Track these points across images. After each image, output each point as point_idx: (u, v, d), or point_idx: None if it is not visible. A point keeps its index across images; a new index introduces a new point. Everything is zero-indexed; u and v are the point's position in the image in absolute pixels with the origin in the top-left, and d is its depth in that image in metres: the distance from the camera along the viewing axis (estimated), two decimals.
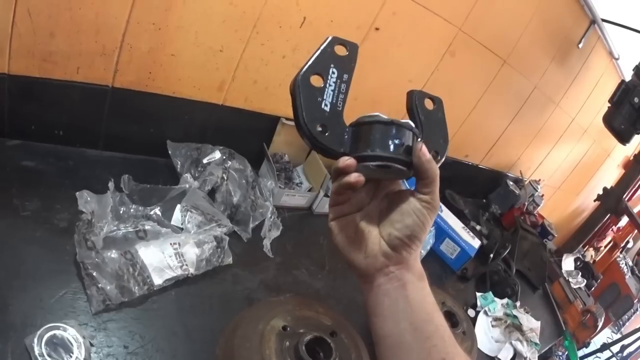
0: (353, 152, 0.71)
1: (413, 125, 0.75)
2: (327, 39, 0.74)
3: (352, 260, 0.77)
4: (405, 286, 0.74)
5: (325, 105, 0.72)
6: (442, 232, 2.18)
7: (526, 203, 3.24)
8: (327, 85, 0.72)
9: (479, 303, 2.00)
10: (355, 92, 1.89)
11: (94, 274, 1.06)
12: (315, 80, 0.72)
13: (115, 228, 1.22)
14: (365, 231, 0.76)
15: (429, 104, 0.81)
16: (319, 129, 0.71)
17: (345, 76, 0.74)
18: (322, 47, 0.74)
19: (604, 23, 2.76)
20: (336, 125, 0.72)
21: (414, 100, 0.80)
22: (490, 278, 2.22)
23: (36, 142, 1.37)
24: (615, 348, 4.18)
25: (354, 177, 0.70)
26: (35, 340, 0.88)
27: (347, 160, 0.70)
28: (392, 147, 0.71)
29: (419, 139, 0.75)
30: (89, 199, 1.16)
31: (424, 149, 0.71)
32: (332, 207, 0.78)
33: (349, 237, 0.77)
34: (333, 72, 0.73)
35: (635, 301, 4.14)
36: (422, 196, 0.74)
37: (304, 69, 0.71)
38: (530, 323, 2.07)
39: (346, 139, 0.72)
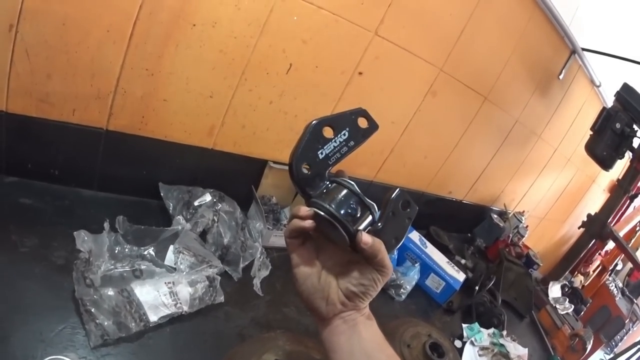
0: (316, 198, 0.80)
1: (376, 209, 0.83)
2: (357, 107, 0.86)
3: (315, 307, 0.87)
4: (358, 325, 0.86)
5: (321, 153, 0.80)
6: (427, 267, 2.21)
7: (511, 235, 3.27)
8: (333, 141, 0.81)
9: (465, 334, 2.02)
10: None
11: (92, 310, 1.09)
12: (327, 131, 0.81)
13: (112, 267, 1.25)
14: (327, 281, 0.87)
15: (404, 206, 0.88)
16: (305, 167, 0.79)
17: (352, 143, 0.84)
18: (348, 110, 0.84)
19: (585, 52, 2.81)
20: (319, 173, 0.80)
21: (392, 196, 0.86)
22: (476, 309, 2.25)
23: (33, 181, 1.41)
24: None
25: (309, 222, 0.80)
26: None
27: (308, 211, 0.80)
28: (345, 212, 0.79)
29: (378, 224, 0.83)
30: (86, 238, 1.21)
31: (364, 237, 0.79)
32: (293, 253, 0.88)
33: (314, 286, 0.87)
34: (344, 134, 0.82)
35: (626, 321, 4.15)
36: (377, 266, 0.83)
37: (324, 117, 0.81)
38: (518, 350, 2.08)
39: (319, 187, 0.81)
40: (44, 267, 1.19)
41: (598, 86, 3.22)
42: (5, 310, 1.03)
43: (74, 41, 1.24)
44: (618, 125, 2.74)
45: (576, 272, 4.30)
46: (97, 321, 1.09)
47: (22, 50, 1.19)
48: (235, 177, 1.81)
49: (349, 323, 0.86)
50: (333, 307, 0.86)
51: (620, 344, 4.48)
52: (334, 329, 0.86)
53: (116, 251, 1.31)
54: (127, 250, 1.33)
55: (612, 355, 4.20)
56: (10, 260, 1.15)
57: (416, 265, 2.15)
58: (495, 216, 3.29)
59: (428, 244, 2.38)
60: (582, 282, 4.47)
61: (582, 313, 3.47)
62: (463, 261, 2.69)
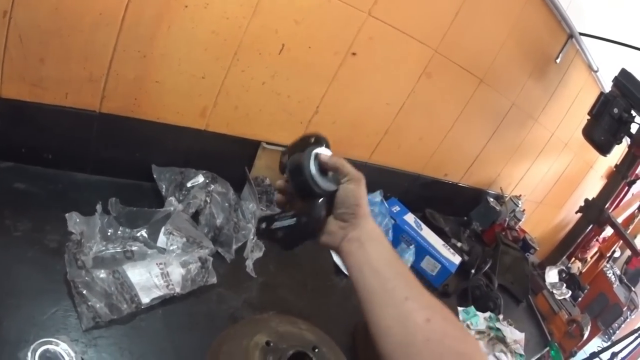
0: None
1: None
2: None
3: (322, 240, 1.01)
4: (364, 244, 0.95)
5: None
6: (422, 250, 2.20)
7: (507, 219, 3.27)
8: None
9: (461, 317, 2.03)
10: (334, 117, 1.95)
11: (84, 292, 1.08)
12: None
13: (103, 248, 1.25)
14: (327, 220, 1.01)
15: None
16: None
17: None
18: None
19: (582, 37, 2.80)
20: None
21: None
22: (472, 293, 2.25)
23: (27, 165, 1.40)
24: (606, 355, 4.18)
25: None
26: (29, 354, 0.90)
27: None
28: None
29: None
30: (77, 220, 1.20)
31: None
32: None
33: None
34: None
35: (624, 309, 4.16)
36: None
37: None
38: (514, 335, 2.09)
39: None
40: (37, 250, 1.18)
41: (596, 71, 3.21)
42: None
43: (67, 25, 1.23)
44: (616, 111, 2.74)
45: (573, 258, 4.31)
46: (89, 303, 1.08)
47: (16, 36, 1.18)
48: (229, 158, 1.80)
49: (355, 243, 0.95)
50: (335, 235, 0.98)
51: (617, 331, 4.51)
52: (346, 253, 0.96)
53: (109, 233, 1.30)
54: (119, 232, 1.33)
55: (609, 343, 4.22)
56: (3, 245, 1.14)
57: (411, 247, 2.15)
58: (492, 199, 3.30)
59: (423, 226, 2.39)
60: (580, 268, 4.48)
61: (580, 299, 3.48)
62: (459, 244, 2.69)
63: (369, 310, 0.89)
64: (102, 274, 1.13)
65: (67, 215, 1.20)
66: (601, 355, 4.07)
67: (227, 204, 1.60)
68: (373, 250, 0.94)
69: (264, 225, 1.06)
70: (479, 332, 2.00)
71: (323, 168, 0.98)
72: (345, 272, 0.99)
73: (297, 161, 0.98)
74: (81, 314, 1.07)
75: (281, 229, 1.02)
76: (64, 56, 1.27)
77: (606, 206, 3.53)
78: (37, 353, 0.91)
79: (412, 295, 0.87)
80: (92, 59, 1.32)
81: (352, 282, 0.94)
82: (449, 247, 2.35)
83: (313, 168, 0.96)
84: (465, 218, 3.28)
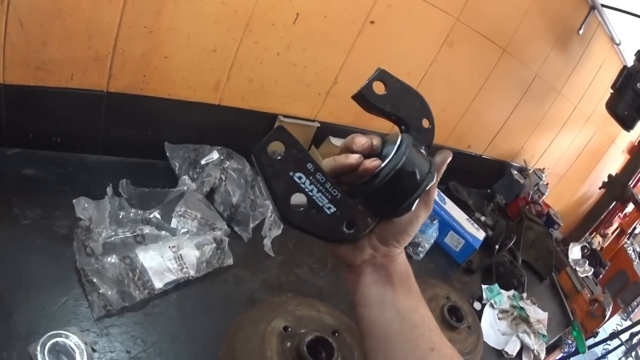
0: None
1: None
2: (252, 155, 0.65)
3: (341, 251, 0.77)
4: (392, 276, 0.76)
5: (328, 208, 0.66)
6: (446, 224, 2.16)
7: (531, 192, 3.22)
8: (311, 195, 0.66)
9: (484, 296, 2.00)
10: (353, 88, 1.88)
11: (95, 280, 1.06)
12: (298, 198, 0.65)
13: (113, 233, 1.22)
14: None
15: (380, 87, 0.73)
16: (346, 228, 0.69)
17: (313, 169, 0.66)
18: (257, 167, 0.65)
19: (604, 9, 2.73)
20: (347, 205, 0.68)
21: (366, 97, 0.72)
22: (496, 270, 2.21)
23: (35, 150, 1.37)
24: (624, 336, 4.15)
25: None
26: (38, 348, 0.89)
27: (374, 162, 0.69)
28: None
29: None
30: (86, 205, 1.17)
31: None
32: None
33: None
34: (300, 178, 0.64)
35: None
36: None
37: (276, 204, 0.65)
38: (537, 314, 2.07)
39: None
40: (47, 238, 1.16)
41: (618, 44, 3.14)
42: (8, 286, 1.00)
43: (68, 5, 1.19)
44: (639, 85, 2.66)
45: (594, 233, 4.26)
46: (100, 291, 1.06)
47: (16, 21, 1.14)
48: (244, 133, 1.75)
49: (381, 272, 0.76)
50: (361, 252, 0.75)
51: (637, 310, 4.46)
52: (364, 279, 0.76)
53: (120, 216, 1.27)
54: (131, 214, 1.29)
55: (629, 323, 4.18)
56: (12, 234, 1.12)
57: (434, 222, 2.09)
58: (516, 172, 3.26)
59: (447, 200, 2.34)
60: (601, 243, 4.44)
61: (601, 276, 3.42)
62: (483, 218, 2.66)
63: (385, 357, 0.75)
64: (112, 260, 1.11)
65: (74, 200, 1.17)
66: (620, 336, 4.04)
67: (243, 181, 1.56)
68: (402, 286, 0.76)
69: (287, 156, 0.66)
70: (503, 312, 1.96)
71: None
72: None
73: (421, 163, 0.70)
74: (92, 302, 1.05)
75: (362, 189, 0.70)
76: (67, 37, 1.24)
77: (629, 183, 3.49)
78: (47, 347, 0.90)
79: (437, 345, 0.74)
80: (96, 38, 1.28)
81: (361, 315, 0.78)
82: (472, 221, 2.31)
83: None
84: (489, 191, 3.25)
